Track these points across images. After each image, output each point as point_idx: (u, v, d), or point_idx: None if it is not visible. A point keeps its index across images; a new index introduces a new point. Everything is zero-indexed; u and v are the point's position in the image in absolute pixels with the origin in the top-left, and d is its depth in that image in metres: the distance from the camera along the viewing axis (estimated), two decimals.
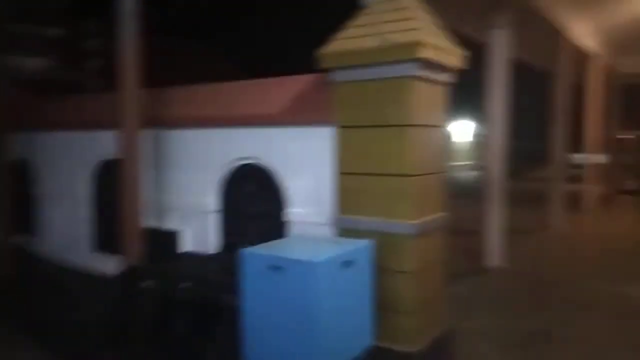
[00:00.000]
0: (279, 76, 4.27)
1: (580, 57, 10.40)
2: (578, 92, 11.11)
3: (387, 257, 3.44)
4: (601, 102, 12.92)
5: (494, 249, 6.25)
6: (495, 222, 6.25)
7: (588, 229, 9.34)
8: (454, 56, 3.57)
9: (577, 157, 11.41)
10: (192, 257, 4.48)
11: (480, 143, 6.15)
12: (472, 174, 18.29)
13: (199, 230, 4.58)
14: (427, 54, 3.25)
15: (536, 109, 9.68)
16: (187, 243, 4.66)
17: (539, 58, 10.81)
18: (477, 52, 6.28)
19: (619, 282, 5.45)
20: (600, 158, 13.47)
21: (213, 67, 10.36)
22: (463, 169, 26.67)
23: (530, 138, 22.07)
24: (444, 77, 3.61)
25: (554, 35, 8.43)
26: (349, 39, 3.55)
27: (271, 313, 3.05)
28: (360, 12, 3.72)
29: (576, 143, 11.44)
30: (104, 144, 5.02)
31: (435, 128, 3.63)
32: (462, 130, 29.38)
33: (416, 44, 3.20)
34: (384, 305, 3.44)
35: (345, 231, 3.64)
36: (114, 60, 4.39)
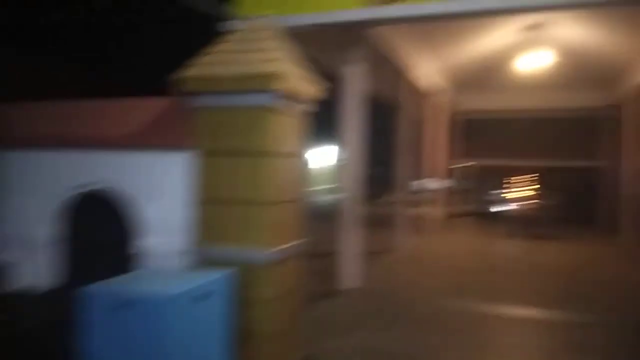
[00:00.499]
0: (134, 97, 4.06)
1: (425, 94, 11.57)
2: (425, 125, 12.34)
3: (246, 286, 3.41)
4: (444, 133, 14.49)
5: (350, 270, 6.55)
6: (351, 244, 6.57)
7: (432, 249, 10.27)
8: (312, 88, 3.73)
9: (422, 183, 12.57)
10: (26, 295, 3.98)
11: (340, 168, 6.55)
12: (334, 197, 19.12)
13: (36, 264, 4.10)
14: (285, 85, 3.35)
15: (389, 139, 10.53)
16: (22, 278, 4.13)
17: (389, 92, 11.80)
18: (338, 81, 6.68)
19: (461, 298, 6.08)
20: (443, 183, 14.97)
21: (61, 84, 9.48)
22: (326, 192, 27.69)
23: (384, 165, 23.90)
24: (302, 107, 3.75)
25: (401, 72, 9.27)
26: (210, 64, 3.52)
27: (118, 355, 2.82)
28: (222, 39, 3.72)
29: (424, 170, 12.63)
30: None
31: (293, 156, 3.74)
32: (325, 155, 30.66)
33: (275, 75, 3.28)
34: (243, 335, 3.39)
35: (204, 261, 3.54)
36: None
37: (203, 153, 3.55)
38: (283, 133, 3.58)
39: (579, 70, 11.67)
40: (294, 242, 3.76)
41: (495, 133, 16.29)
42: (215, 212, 3.52)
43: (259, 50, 3.47)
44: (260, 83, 3.32)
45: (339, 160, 6.78)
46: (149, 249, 3.71)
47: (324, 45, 7.41)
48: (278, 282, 3.53)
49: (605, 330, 4.95)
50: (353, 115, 6.50)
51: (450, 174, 15.61)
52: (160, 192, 3.71)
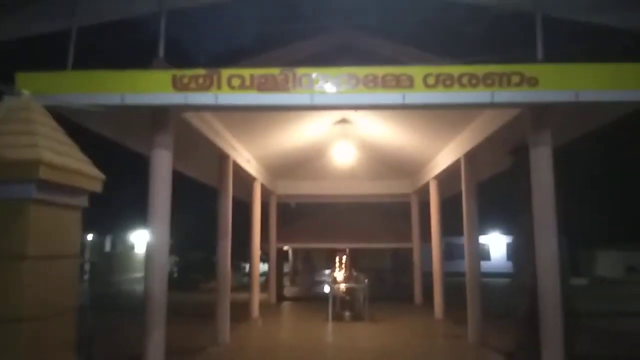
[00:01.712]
0: None
1: (247, 179, 11.57)
2: (249, 209, 12.24)
3: None
4: (270, 218, 14.58)
5: None
6: (155, 346, 5.78)
7: (256, 340, 9.78)
8: (88, 178, 3.23)
9: (245, 267, 12.23)
10: None
11: (147, 254, 5.83)
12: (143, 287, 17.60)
13: None
14: (50, 175, 2.82)
15: (212, 223, 10.07)
16: None
17: (210, 177, 11.56)
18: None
19: None
20: (264, 267, 14.77)
21: None
22: (137, 282, 25.51)
23: (207, 250, 23.09)
24: (75, 200, 3.20)
25: (221, 159, 9.14)
26: None
27: None
28: None
29: (247, 253, 12.35)
30: None
31: (62, 258, 3.11)
32: (140, 241, 28.69)
33: (36, 163, 2.76)
34: None
35: None
36: None
37: None
38: (49, 231, 2.98)
39: (384, 162, 12.98)
40: None
41: (315, 216, 17.00)
42: None
43: (18, 134, 2.91)
44: (16, 171, 2.75)
45: (146, 246, 6.10)
46: None
47: (129, 128, 6.98)
48: None
49: None
50: (159, 199, 6.00)
51: (277, 257, 15.59)
52: None
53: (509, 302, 8.80)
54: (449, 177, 11.22)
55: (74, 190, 3.10)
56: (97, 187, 3.27)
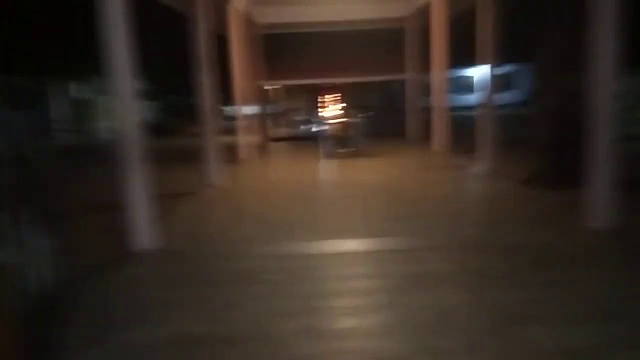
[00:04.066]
0: None
1: (221, 3, 9.89)
2: (225, 42, 10.72)
3: None
4: (245, 52, 13.04)
5: (142, 226, 4.99)
6: (138, 192, 4.96)
7: (248, 181, 9.18)
8: None
9: (230, 109, 11.22)
10: None
11: (114, 98, 4.75)
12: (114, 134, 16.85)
13: None
14: None
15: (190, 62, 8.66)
16: None
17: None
18: None
19: (284, 241, 5.02)
20: (251, 109, 13.74)
21: None
22: (107, 131, 24.44)
23: (189, 94, 21.68)
24: None
25: None
26: None
27: None
28: None
29: (228, 95, 11.20)
30: None
31: None
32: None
33: None
34: None
35: None
36: None
37: None
38: None
39: None
40: None
41: (300, 50, 15.53)
42: None
43: None
44: None
45: (112, 89, 4.90)
46: None
47: None
48: None
49: (445, 254, 4.41)
50: (118, 25, 4.64)
51: (258, 97, 14.47)
52: None
53: (516, 131, 8.09)
54: None
55: None
56: None
